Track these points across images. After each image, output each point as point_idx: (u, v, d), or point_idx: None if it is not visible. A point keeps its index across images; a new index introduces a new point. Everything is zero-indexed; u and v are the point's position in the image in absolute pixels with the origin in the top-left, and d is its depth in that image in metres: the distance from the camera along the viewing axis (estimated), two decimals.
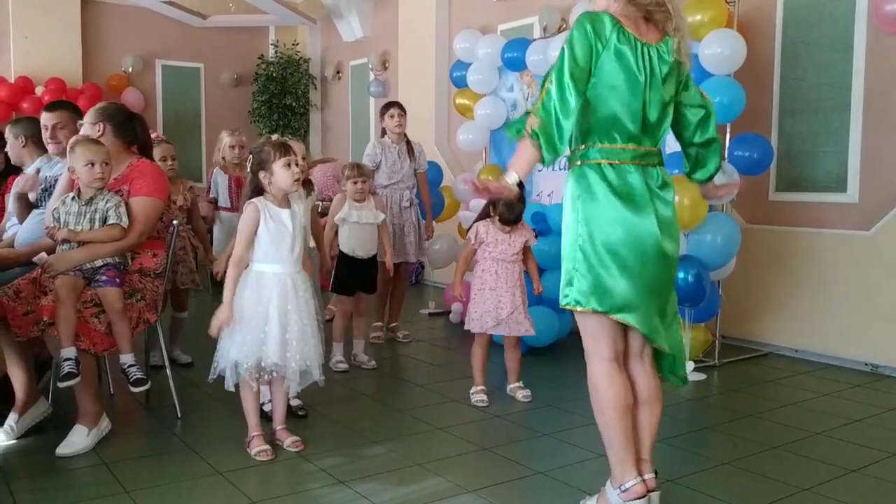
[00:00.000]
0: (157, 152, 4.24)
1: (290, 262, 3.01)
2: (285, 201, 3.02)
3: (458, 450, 3.18)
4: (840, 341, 4.61)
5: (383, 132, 5.22)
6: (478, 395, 3.83)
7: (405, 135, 5.21)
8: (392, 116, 5.10)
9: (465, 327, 3.87)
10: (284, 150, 2.96)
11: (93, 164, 3.12)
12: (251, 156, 3.00)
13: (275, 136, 3.12)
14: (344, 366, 4.39)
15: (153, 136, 4.36)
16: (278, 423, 3.20)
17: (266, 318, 2.93)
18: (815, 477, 2.88)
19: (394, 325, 5.34)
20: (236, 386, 3.04)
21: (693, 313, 4.32)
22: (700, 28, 4.47)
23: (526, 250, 3.85)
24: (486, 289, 3.76)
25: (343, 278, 4.38)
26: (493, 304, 3.75)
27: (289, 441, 3.14)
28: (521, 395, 3.87)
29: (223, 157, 5.21)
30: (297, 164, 2.97)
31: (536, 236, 4.02)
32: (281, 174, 2.93)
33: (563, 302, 2.38)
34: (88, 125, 3.47)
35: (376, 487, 2.76)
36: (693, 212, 4.20)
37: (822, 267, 4.71)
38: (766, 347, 4.97)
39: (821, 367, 4.59)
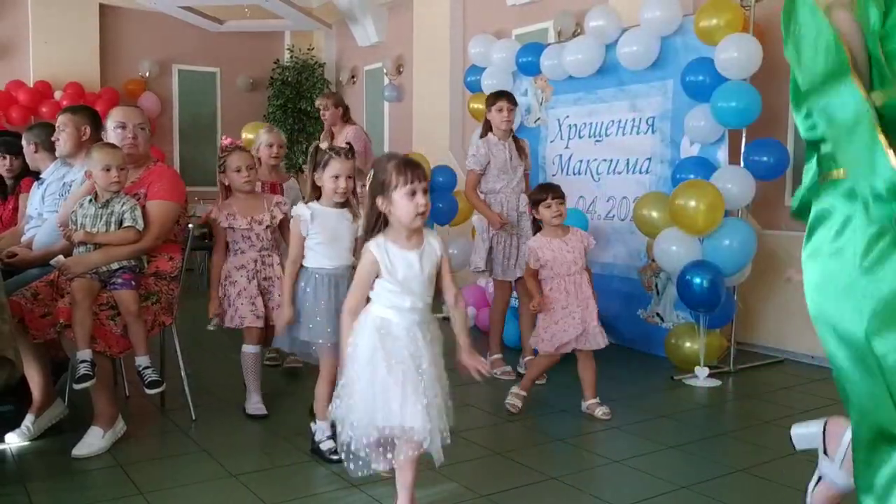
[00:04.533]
0: (233, 160, 3.70)
1: (420, 304, 2.39)
2: (414, 237, 2.36)
3: (470, 454, 3.17)
4: None
5: (486, 128, 4.52)
6: (513, 400, 3.72)
7: (512, 131, 4.56)
8: (500, 110, 4.39)
9: (534, 346, 3.72)
10: (410, 173, 2.29)
11: (109, 168, 3.16)
12: (372, 172, 2.37)
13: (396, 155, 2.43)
14: None
15: (227, 141, 3.84)
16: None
17: (394, 373, 2.28)
18: None
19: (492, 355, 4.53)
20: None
21: (708, 319, 4.30)
22: (715, 32, 4.45)
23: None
24: (558, 307, 3.59)
25: None
26: (565, 323, 3.58)
27: None
28: (601, 412, 3.62)
29: (259, 159, 4.34)
30: (424, 192, 2.31)
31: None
32: (401, 206, 2.28)
33: None
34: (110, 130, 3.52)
35: (389, 491, 2.76)
36: (708, 217, 4.18)
37: None
38: (782, 354, 4.93)
39: None
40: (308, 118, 10.10)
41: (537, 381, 3.91)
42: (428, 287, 2.39)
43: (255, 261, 3.61)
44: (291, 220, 3.13)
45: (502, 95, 4.46)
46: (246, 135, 5.84)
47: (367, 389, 2.27)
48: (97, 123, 3.72)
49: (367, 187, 2.36)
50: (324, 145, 3.08)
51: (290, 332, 3.07)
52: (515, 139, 4.55)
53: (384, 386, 2.26)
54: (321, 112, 5.83)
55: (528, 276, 3.71)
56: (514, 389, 3.78)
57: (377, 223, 2.35)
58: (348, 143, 3.16)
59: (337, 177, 3.01)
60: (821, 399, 4.03)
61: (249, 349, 3.64)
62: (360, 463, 2.34)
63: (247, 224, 3.60)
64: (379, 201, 2.32)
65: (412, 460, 2.35)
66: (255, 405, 3.63)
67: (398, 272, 2.32)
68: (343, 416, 2.31)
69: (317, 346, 3.04)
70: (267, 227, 3.63)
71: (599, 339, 3.64)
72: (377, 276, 2.34)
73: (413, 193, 2.28)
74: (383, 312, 2.34)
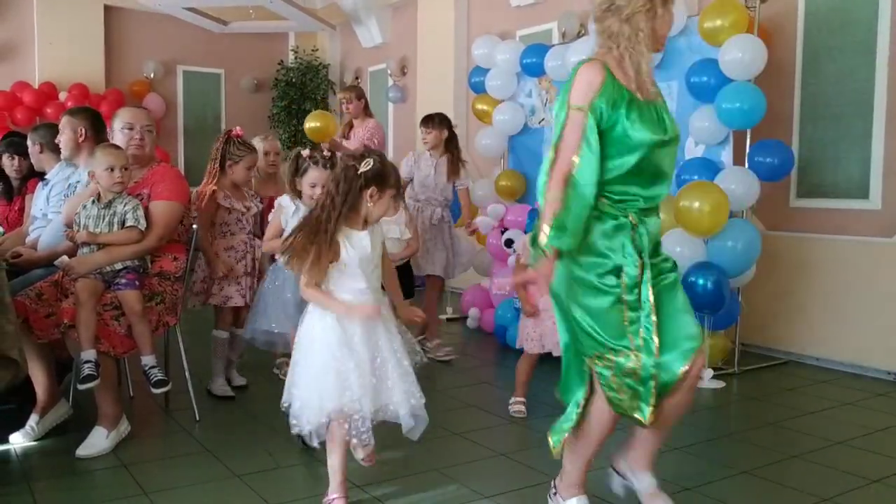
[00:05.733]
0: (249, 160, 3.96)
1: (374, 285, 2.57)
2: (364, 223, 2.56)
3: (475, 455, 3.17)
4: (862, 349, 4.56)
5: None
6: (516, 406, 3.72)
7: (450, 149, 4.99)
8: (422, 132, 5.01)
9: (518, 345, 3.76)
10: (399, 187, 2.67)
11: (112, 169, 3.16)
12: (372, 161, 2.50)
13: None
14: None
15: (240, 132, 4.05)
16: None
17: (356, 357, 2.46)
18: (837, 487, 2.84)
19: (437, 342, 4.98)
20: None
21: (712, 320, 4.29)
22: (720, 33, 4.44)
23: None
24: (548, 308, 3.55)
25: None
26: (552, 325, 3.50)
27: None
28: None
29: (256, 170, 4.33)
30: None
31: None
32: (384, 205, 2.54)
33: None
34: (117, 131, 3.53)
35: (393, 492, 2.76)
36: (713, 218, 4.17)
37: (844, 274, 4.66)
38: (787, 355, 4.92)
39: (842, 376, 4.53)
40: None
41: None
42: (376, 269, 2.58)
43: (244, 243, 3.89)
44: (274, 210, 3.36)
45: (423, 120, 4.99)
46: (311, 123, 5.85)
47: (320, 374, 2.43)
48: (96, 124, 3.72)
49: (363, 170, 2.48)
50: (305, 152, 3.22)
51: (253, 325, 3.31)
52: (453, 156, 4.95)
53: (338, 369, 2.42)
54: (344, 105, 5.87)
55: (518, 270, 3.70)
56: (513, 399, 3.75)
57: (348, 205, 2.48)
58: (330, 153, 3.24)
59: (314, 185, 3.14)
60: (825, 400, 4.02)
61: (221, 334, 3.97)
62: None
63: (244, 207, 3.91)
64: (372, 190, 2.48)
65: (345, 442, 2.54)
66: (220, 387, 3.94)
67: (353, 249, 2.48)
68: (299, 402, 2.48)
69: (286, 335, 3.21)
70: (254, 214, 3.97)
71: None
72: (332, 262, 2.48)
73: (394, 200, 2.63)
74: (345, 296, 2.49)
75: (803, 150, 4.94)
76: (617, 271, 2.25)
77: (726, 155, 4.61)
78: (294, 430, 2.52)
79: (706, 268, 4.17)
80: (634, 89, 2.22)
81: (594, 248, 2.26)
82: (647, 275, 2.26)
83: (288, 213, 3.25)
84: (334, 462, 2.58)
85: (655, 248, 2.35)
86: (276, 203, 3.37)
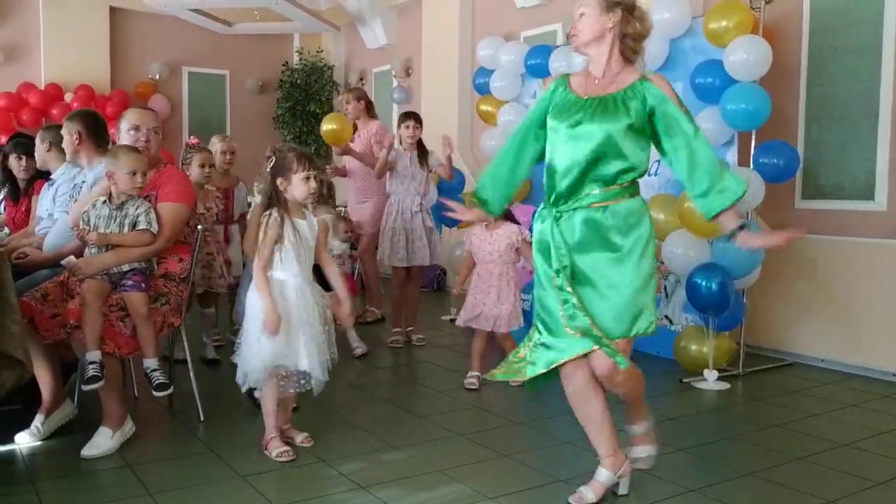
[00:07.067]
0: (199, 158, 4.47)
1: (306, 270, 3.10)
2: (300, 211, 3.10)
3: (478, 456, 3.17)
4: (867, 351, 4.54)
5: (400, 141, 5.34)
6: (469, 380, 4.18)
7: (420, 142, 5.29)
8: (408, 127, 5.23)
9: (457, 322, 4.29)
10: (307, 163, 3.02)
11: (134, 174, 3.17)
12: (273, 157, 3.08)
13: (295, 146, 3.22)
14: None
15: (194, 141, 4.60)
16: (285, 422, 3.26)
17: (287, 324, 2.99)
18: (841, 489, 2.84)
19: (410, 328, 5.41)
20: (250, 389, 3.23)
21: (717, 322, 4.28)
22: (725, 34, 4.43)
23: (523, 249, 4.06)
24: (476, 288, 4.15)
25: None
26: (471, 301, 4.14)
27: (300, 438, 3.25)
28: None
29: (212, 165, 4.91)
30: (316, 180, 3.06)
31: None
32: (298, 186, 3.01)
33: (652, 328, 2.74)
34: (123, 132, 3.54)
35: (397, 493, 2.77)
36: None
37: (849, 276, 4.65)
38: (792, 357, 4.91)
39: (847, 378, 4.52)
40: (316, 120, 10.13)
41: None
42: (310, 253, 3.10)
43: (196, 239, 4.23)
44: (251, 211, 3.93)
45: (410, 116, 5.29)
46: (327, 126, 5.92)
47: (265, 339, 2.95)
48: (94, 126, 3.71)
49: (268, 168, 3.06)
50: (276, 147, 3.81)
51: (239, 300, 3.85)
52: (421, 150, 5.24)
53: (283, 333, 2.95)
54: (345, 107, 5.88)
55: (465, 258, 4.34)
56: (469, 373, 4.22)
57: (273, 198, 3.03)
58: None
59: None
60: (830, 402, 4.01)
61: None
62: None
63: (203, 209, 4.29)
64: (279, 179, 3.01)
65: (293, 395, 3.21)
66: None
67: (292, 234, 3.00)
68: (245, 360, 3.05)
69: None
70: (213, 213, 4.42)
71: (512, 323, 4.11)
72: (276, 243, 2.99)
73: (307, 178, 3.00)
74: (281, 276, 3.02)
75: (808, 151, 4.93)
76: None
77: (731, 156, 4.60)
78: (243, 389, 3.13)
79: (711, 269, 4.17)
80: None
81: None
82: None
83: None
84: (268, 406, 3.12)
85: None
86: (252, 203, 3.99)
